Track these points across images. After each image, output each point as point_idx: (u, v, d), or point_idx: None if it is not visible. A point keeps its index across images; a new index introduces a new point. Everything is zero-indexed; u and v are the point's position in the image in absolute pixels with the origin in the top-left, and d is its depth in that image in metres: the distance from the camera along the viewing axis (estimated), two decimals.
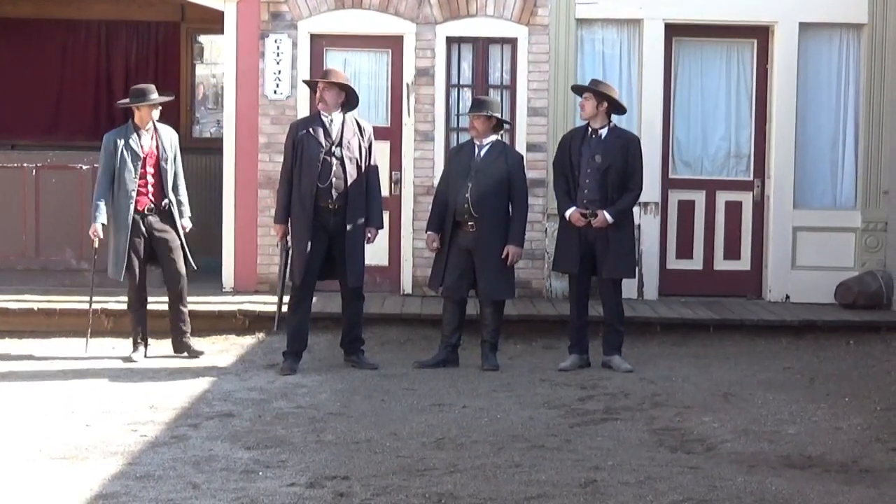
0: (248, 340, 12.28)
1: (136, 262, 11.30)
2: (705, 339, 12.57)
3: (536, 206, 13.28)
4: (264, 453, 8.32)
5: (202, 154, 15.08)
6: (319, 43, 13.63)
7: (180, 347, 11.56)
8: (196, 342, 11.64)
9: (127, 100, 11.55)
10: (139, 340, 11.51)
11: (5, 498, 7.34)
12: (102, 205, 11.28)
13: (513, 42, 13.65)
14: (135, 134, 11.30)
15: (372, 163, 11.22)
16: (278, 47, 13.54)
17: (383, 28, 13.59)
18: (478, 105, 11.41)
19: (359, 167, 11.06)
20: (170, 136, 11.53)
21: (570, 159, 11.34)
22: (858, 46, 13.82)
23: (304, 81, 12.32)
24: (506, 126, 12.25)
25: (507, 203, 11.26)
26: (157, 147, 11.35)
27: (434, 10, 13.57)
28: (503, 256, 11.18)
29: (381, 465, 8.06)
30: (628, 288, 12.32)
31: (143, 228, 11.31)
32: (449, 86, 13.68)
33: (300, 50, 13.55)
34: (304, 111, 13.30)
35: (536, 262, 13.59)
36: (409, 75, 13.61)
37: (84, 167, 13.32)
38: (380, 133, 13.54)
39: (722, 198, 13.92)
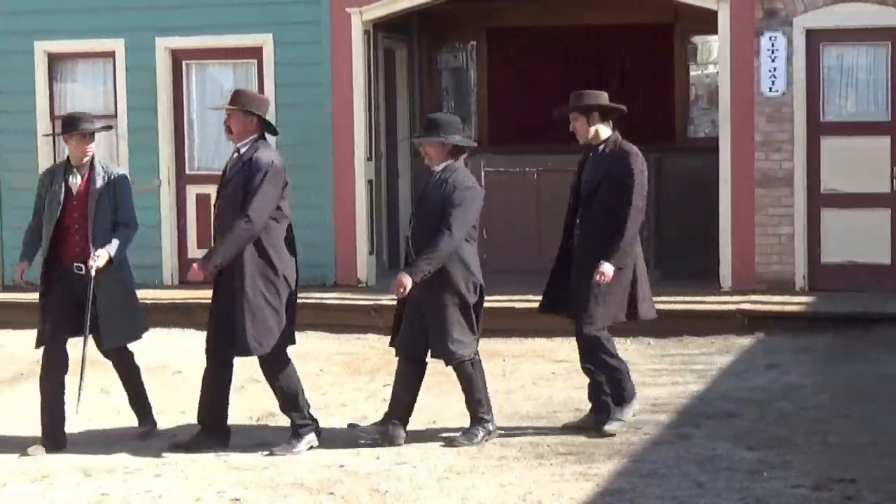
0: (747, 341, 12.17)
1: None
2: None
3: None
4: (768, 454, 8.28)
5: (697, 154, 15.13)
6: (815, 39, 13.39)
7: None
8: (692, 342, 11.56)
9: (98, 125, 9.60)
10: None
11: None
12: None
13: None
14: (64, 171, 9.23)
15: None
16: (773, 44, 13.40)
17: (883, 20, 13.20)
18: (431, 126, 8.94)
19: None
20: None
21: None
22: None
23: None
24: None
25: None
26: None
27: None
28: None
29: (890, 468, 7.86)
30: None
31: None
32: None
33: (795, 47, 13.36)
34: (801, 108, 13.16)
35: None
36: None
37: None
38: (879, 128, 13.24)
39: None
